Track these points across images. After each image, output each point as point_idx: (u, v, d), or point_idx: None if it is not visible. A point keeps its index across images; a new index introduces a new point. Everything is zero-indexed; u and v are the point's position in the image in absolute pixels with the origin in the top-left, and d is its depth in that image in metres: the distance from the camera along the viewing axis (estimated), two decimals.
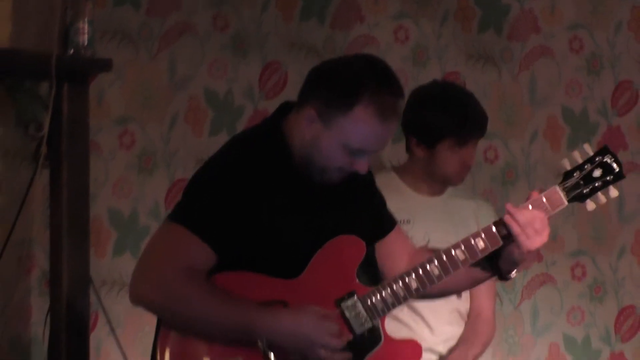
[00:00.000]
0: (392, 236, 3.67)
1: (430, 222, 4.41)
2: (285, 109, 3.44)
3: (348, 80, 3.30)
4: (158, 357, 3.35)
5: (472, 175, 4.91)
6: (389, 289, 3.44)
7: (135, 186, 4.79)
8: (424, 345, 4.01)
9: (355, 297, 3.40)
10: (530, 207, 3.47)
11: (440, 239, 4.30)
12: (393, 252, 3.68)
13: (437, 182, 4.51)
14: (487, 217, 4.53)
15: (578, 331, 5.36)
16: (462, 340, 4.52)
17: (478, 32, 5.41)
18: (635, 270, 5.58)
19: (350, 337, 3.37)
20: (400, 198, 4.08)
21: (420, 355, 3.59)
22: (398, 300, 3.46)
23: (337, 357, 3.32)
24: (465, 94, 4.58)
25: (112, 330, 4.22)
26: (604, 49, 5.65)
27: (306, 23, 5.04)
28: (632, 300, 5.48)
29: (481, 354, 4.58)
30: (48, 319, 4.47)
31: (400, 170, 4.54)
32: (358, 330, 3.38)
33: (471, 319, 4.55)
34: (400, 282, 3.47)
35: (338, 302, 3.38)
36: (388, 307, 3.46)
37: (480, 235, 3.46)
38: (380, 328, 3.48)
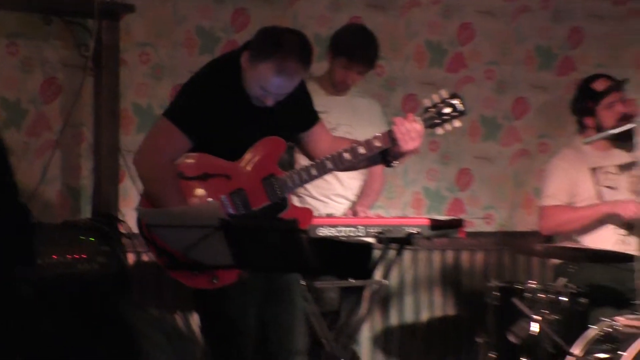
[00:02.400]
0: (316, 128, 3.87)
1: (338, 113, 4.66)
2: (246, 45, 3.66)
3: (269, 44, 3.57)
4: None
5: (367, 82, 5.04)
6: (301, 172, 3.73)
7: (149, 88, 5.06)
8: (337, 192, 4.67)
9: (272, 177, 3.70)
10: (408, 122, 3.71)
11: (346, 124, 4.67)
12: (317, 140, 3.88)
13: (337, 87, 4.77)
14: (376, 112, 4.95)
15: (433, 184, 5.58)
16: (363, 191, 4.85)
17: None
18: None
19: (267, 203, 3.68)
20: (317, 97, 4.06)
21: (311, 217, 3.86)
22: (312, 178, 3.75)
23: None
24: (366, 35, 4.78)
25: (133, 182, 4.33)
26: None
27: None
28: (468, 164, 5.61)
29: (375, 200, 4.93)
30: (92, 175, 4.83)
31: (319, 78, 4.76)
32: (272, 199, 3.69)
33: (368, 176, 4.85)
34: (316, 166, 3.74)
35: (261, 179, 3.69)
36: (299, 185, 3.77)
37: (378, 137, 3.71)
38: (288, 199, 3.75)
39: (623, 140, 4.81)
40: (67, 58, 4.84)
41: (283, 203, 3.75)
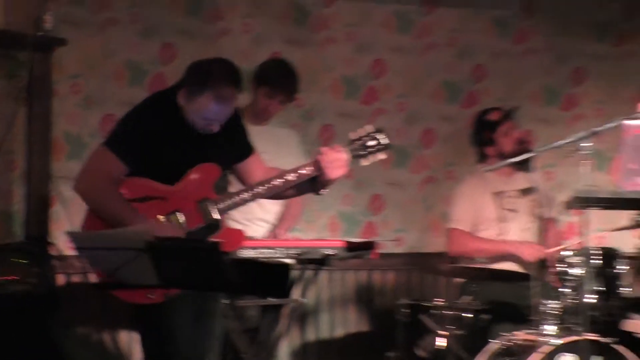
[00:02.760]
0: (251, 159, 3.93)
1: (260, 141, 4.31)
2: (180, 84, 3.73)
3: (202, 76, 3.66)
4: (84, 223, 3.72)
5: (286, 113, 5.04)
6: (233, 196, 3.78)
7: (80, 117, 5.05)
8: (259, 216, 4.66)
9: (207, 200, 3.73)
10: (334, 152, 3.77)
11: (266, 152, 4.35)
12: (251, 170, 3.92)
13: (259, 117, 4.76)
14: (295, 141, 4.97)
15: (348, 209, 5.59)
16: (283, 215, 4.86)
17: None
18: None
19: (202, 224, 3.71)
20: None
21: (242, 237, 3.87)
22: (244, 202, 3.79)
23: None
24: (287, 67, 4.81)
25: (64, 206, 4.52)
26: None
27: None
28: (380, 190, 5.64)
29: (294, 224, 4.94)
30: (25, 200, 4.78)
31: (242, 109, 4.50)
32: (206, 221, 3.71)
33: (287, 201, 4.76)
34: (248, 191, 3.79)
35: (197, 202, 3.72)
36: (232, 208, 3.79)
37: (307, 165, 3.78)
38: (221, 220, 3.77)
39: (523, 167, 4.91)
40: (0, 88, 4.80)
41: (216, 224, 3.77)
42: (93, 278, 3.63)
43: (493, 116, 5.10)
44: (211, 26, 5.31)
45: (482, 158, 5.13)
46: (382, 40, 5.63)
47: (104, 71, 5.13)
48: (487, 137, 5.06)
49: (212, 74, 3.67)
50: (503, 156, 4.89)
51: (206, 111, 3.68)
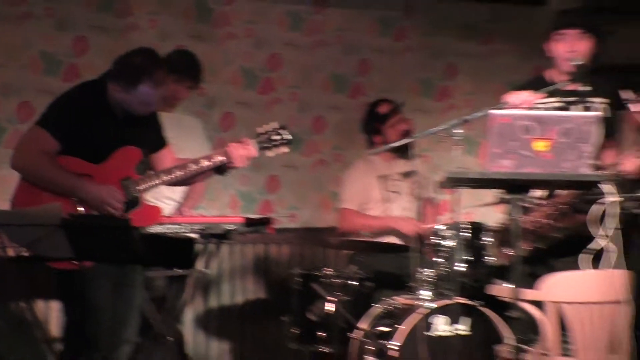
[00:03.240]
0: (164, 151, 4.01)
1: (166, 127, 4.30)
2: (109, 72, 3.79)
3: (134, 71, 3.73)
4: (16, 192, 3.77)
5: (190, 102, 5.03)
6: (153, 177, 3.82)
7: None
8: (166, 195, 4.61)
9: (129, 179, 3.77)
10: (244, 147, 3.89)
11: (172, 137, 4.30)
12: (164, 160, 3.99)
13: (166, 103, 4.59)
14: (198, 127, 4.94)
15: (246, 188, 5.53)
16: (188, 194, 4.83)
17: None
18: None
19: (124, 200, 3.75)
20: None
21: (159, 213, 3.92)
22: (163, 183, 3.86)
23: (116, 210, 3.68)
24: (193, 56, 4.80)
25: None
26: None
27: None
28: (276, 172, 5.58)
29: (198, 202, 4.93)
30: None
31: None
32: (127, 197, 3.76)
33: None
34: (167, 173, 3.84)
35: (119, 180, 3.76)
36: (151, 187, 3.84)
37: (219, 154, 3.87)
38: (140, 197, 3.82)
39: (405, 153, 4.98)
40: None
41: (136, 200, 3.80)
42: (11, 252, 3.54)
43: (383, 109, 5.15)
44: (121, 21, 5.22)
45: (370, 145, 5.19)
46: (277, 36, 5.61)
47: (21, 61, 5.05)
48: (377, 127, 5.12)
49: (144, 65, 3.74)
50: (387, 144, 4.94)
51: (146, 97, 3.74)
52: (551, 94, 4.12)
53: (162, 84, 3.78)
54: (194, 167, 3.87)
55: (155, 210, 3.92)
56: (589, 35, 4.14)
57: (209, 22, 5.45)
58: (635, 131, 5.27)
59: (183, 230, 4.13)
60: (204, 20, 5.44)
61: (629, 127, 5.27)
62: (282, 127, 3.98)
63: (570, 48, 4.12)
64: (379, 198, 5.15)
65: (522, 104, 3.95)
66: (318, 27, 5.67)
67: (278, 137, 3.97)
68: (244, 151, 3.89)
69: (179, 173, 3.87)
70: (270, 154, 3.99)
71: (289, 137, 3.97)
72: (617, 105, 4.34)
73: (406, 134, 5.01)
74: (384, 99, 5.26)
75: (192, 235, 4.22)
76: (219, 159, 3.89)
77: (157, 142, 4.01)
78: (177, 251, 4.29)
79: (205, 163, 3.89)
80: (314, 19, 5.66)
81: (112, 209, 3.70)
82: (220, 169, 3.96)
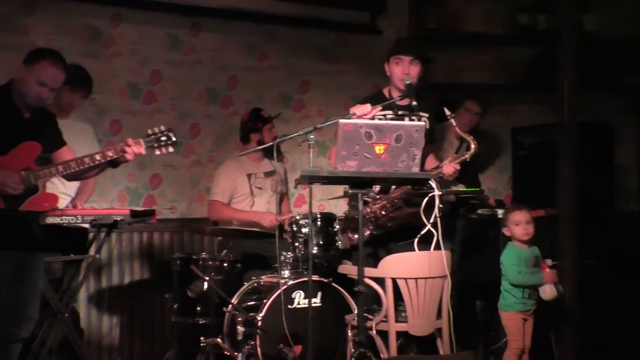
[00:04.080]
0: (62, 150, 3.88)
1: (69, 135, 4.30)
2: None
3: (35, 53, 3.69)
4: None
5: (83, 111, 4.87)
6: (51, 168, 3.71)
7: None
8: (61, 190, 4.48)
9: (29, 170, 3.66)
10: (135, 146, 3.77)
11: (68, 141, 4.15)
12: (63, 157, 3.85)
13: (62, 110, 4.50)
14: (90, 133, 4.79)
15: (132, 184, 5.38)
16: (80, 189, 4.69)
17: None
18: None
19: (23, 186, 3.63)
20: None
21: (56, 200, 3.83)
22: (59, 173, 3.73)
23: (15, 191, 3.57)
24: (84, 70, 4.66)
25: None
26: None
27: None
28: (159, 170, 5.41)
29: (90, 196, 4.77)
30: None
31: (49, 106, 4.30)
32: (27, 184, 3.63)
33: (84, 180, 4.47)
34: (61, 165, 3.72)
35: (22, 170, 3.64)
36: (48, 177, 3.73)
37: (111, 150, 3.78)
38: (40, 185, 3.70)
39: (269, 154, 4.98)
40: None
41: (35, 188, 3.69)
42: None
43: (264, 114, 5.20)
44: (19, 40, 4.97)
45: (246, 142, 5.19)
46: (159, 55, 5.48)
47: None
48: (258, 126, 5.13)
49: (45, 49, 3.74)
50: (261, 144, 4.93)
51: (45, 75, 3.62)
52: (388, 107, 4.21)
53: (59, 65, 3.68)
54: (88, 161, 3.75)
55: (53, 197, 3.81)
56: (419, 61, 4.26)
57: (99, 43, 5.28)
58: (454, 140, 5.48)
59: (77, 221, 4.03)
60: (95, 41, 5.26)
61: (449, 137, 5.48)
62: (169, 130, 3.91)
63: (405, 71, 4.23)
64: (246, 192, 5.15)
65: (364, 115, 4.01)
66: (194, 48, 5.58)
67: (165, 139, 3.89)
68: (134, 148, 3.79)
69: (74, 166, 3.74)
70: (157, 152, 3.90)
71: (174, 139, 3.90)
72: (438, 118, 4.49)
73: (274, 139, 5.02)
74: (260, 108, 5.31)
75: (85, 225, 4.16)
76: (111, 154, 3.80)
77: (57, 141, 3.88)
78: (72, 239, 4.36)
79: (99, 158, 3.79)
80: (191, 41, 5.57)
81: (10, 189, 3.58)
82: (114, 163, 3.86)
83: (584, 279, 4.66)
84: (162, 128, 3.89)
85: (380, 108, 4.10)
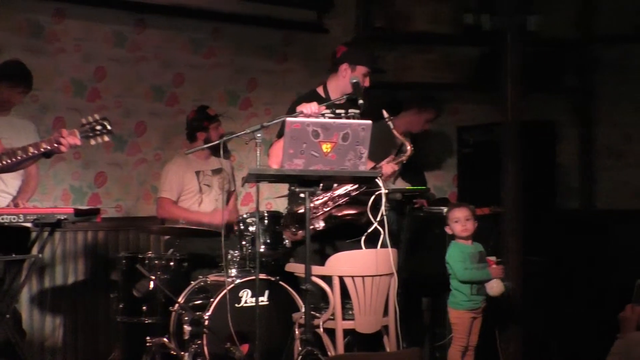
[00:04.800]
0: None
1: (1, 128, 4.39)
2: None
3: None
4: None
5: (24, 107, 4.83)
6: None
7: None
8: (2, 189, 4.43)
9: None
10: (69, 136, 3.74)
11: (6, 138, 4.24)
12: None
13: (2, 107, 4.51)
14: (31, 129, 4.66)
15: (77, 183, 5.27)
16: (22, 188, 4.63)
17: None
18: None
19: None
20: None
21: None
22: None
23: None
24: (24, 66, 4.56)
25: None
26: None
27: None
28: (104, 169, 5.32)
29: (32, 195, 4.70)
30: None
31: None
32: None
33: (25, 177, 4.62)
34: None
35: None
36: None
37: (45, 142, 3.76)
38: None
39: (217, 152, 4.95)
40: None
41: None
42: None
43: (211, 112, 5.17)
44: None
45: (192, 140, 5.17)
46: (103, 52, 5.40)
47: None
48: (204, 124, 5.11)
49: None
50: (208, 142, 4.92)
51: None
52: (334, 106, 4.23)
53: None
54: (21, 153, 3.71)
55: None
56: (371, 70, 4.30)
57: (42, 39, 5.17)
58: (394, 140, 5.51)
59: (19, 220, 3.94)
60: (37, 36, 5.15)
61: (390, 137, 5.50)
62: (104, 119, 3.85)
63: (358, 78, 4.23)
64: (194, 190, 5.13)
65: (311, 114, 4.01)
66: (139, 45, 5.50)
67: (100, 128, 3.84)
68: (69, 139, 3.75)
69: (6, 158, 3.70)
70: (93, 142, 3.84)
71: (109, 127, 3.85)
72: (381, 118, 4.52)
73: (222, 136, 5.03)
74: (207, 105, 5.27)
75: (27, 224, 4.05)
76: (45, 146, 3.75)
77: None
78: (15, 238, 4.25)
79: (33, 150, 3.74)
80: (135, 38, 5.49)
81: None
82: (48, 154, 3.83)
83: (527, 276, 4.73)
84: (97, 117, 3.82)
85: (324, 107, 4.12)
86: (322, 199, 4.12)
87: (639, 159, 6.36)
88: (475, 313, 4.34)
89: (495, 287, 4.30)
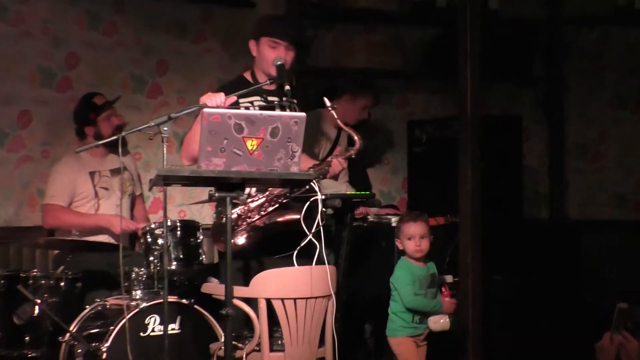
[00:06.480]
0: None
1: None
2: None
3: None
4: None
5: None
6: None
7: None
8: None
9: None
10: None
11: None
12: None
13: None
14: None
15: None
16: None
17: None
18: None
19: None
20: None
21: None
22: None
23: None
24: None
25: None
26: None
27: None
28: None
29: None
30: None
31: None
32: None
33: None
34: None
35: None
36: None
37: None
38: None
39: (116, 148, 4.88)
40: None
41: None
42: None
43: (98, 100, 5.09)
44: None
45: (81, 137, 5.11)
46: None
47: None
48: (91, 117, 5.07)
49: None
50: (100, 137, 4.87)
51: None
52: (255, 93, 4.19)
53: None
54: None
55: None
56: (295, 46, 4.27)
57: (5, 21, 5.24)
58: (331, 132, 5.53)
59: None
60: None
61: (325, 128, 5.51)
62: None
63: (280, 56, 4.19)
64: (89, 194, 5.06)
65: (217, 107, 3.93)
66: (23, 17, 5.42)
67: None
68: None
69: None
70: None
71: None
72: (315, 106, 4.51)
73: (119, 128, 4.98)
74: (98, 92, 5.21)
75: None
76: None
77: None
78: None
79: None
80: (19, 8, 5.41)
81: None
82: None
83: (488, 298, 4.79)
84: None
85: (235, 98, 4.07)
86: (257, 200, 4.09)
87: (616, 160, 6.50)
88: (418, 340, 4.39)
89: (441, 322, 4.35)
